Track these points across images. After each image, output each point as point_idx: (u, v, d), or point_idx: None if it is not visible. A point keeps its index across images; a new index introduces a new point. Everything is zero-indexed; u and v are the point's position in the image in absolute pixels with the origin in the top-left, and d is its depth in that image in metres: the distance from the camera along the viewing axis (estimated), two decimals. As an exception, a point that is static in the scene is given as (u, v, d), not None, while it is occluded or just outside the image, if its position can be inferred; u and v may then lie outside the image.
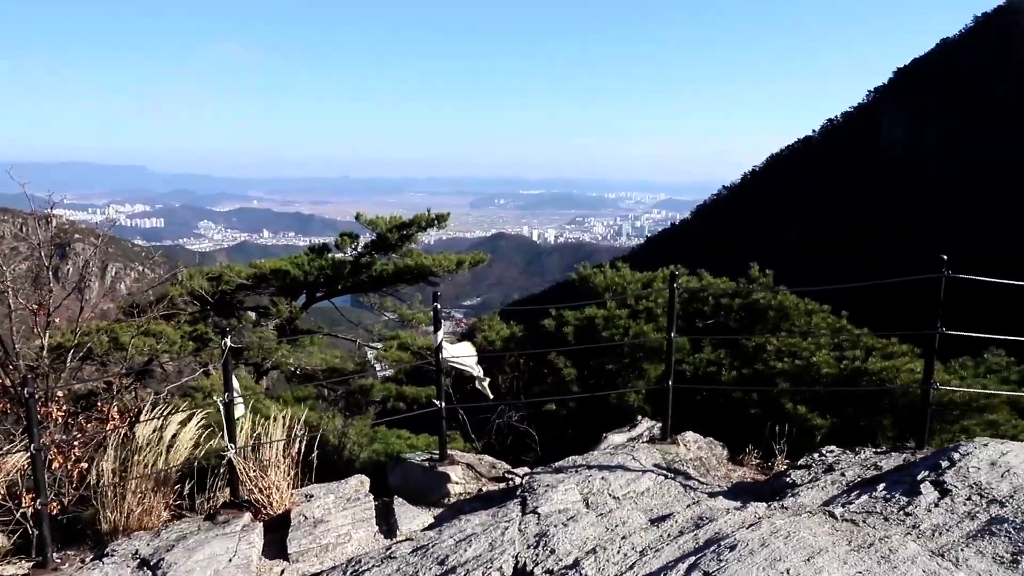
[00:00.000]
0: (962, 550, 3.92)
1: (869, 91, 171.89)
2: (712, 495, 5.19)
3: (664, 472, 5.52)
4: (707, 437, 6.50)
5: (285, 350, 12.58)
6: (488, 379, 6.29)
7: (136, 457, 5.03)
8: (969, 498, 4.46)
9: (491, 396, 6.36)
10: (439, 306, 5.72)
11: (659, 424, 6.33)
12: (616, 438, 6.32)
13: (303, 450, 5.57)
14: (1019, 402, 7.99)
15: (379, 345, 13.84)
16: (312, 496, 5.41)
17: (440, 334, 5.75)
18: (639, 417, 6.78)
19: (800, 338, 8.25)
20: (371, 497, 5.57)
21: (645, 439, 6.32)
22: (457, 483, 6.02)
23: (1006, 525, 4.06)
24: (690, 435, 6.32)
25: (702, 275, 9.79)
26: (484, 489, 6.06)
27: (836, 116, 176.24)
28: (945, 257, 5.51)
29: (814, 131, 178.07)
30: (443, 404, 5.82)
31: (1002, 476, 4.60)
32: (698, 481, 5.59)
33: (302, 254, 13.27)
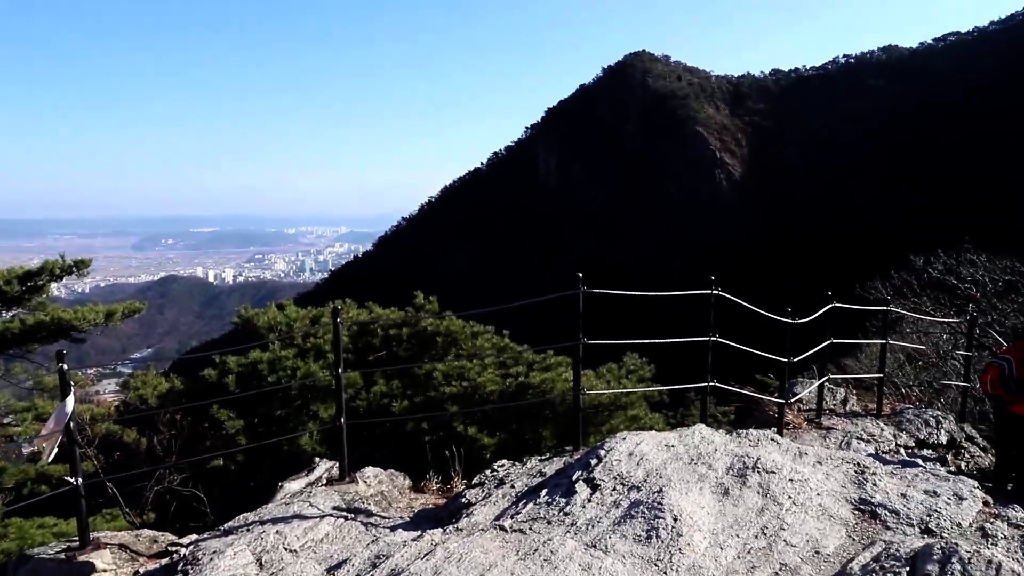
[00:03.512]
0: (610, 537, 4.35)
1: (527, 128, 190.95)
2: (393, 529, 5.13)
3: (344, 514, 5.34)
4: (388, 470, 6.45)
5: None
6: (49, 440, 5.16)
7: None
8: (615, 489, 4.98)
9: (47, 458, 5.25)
10: (65, 367, 4.88)
11: (337, 465, 6.13)
12: (293, 485, 5.97)
13: None
14: (652, 396, 9.32)
15: (9, 419, 11.59)
16: None
17: (70, 400, 4.91)
18: (316, 460, 6.49)
19: (467, 360, 8.66)
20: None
21: (324, 482, 6.07)
22: (106, 570, 5.16)
23: (641, 507, 4.61)
24: (370, 471, 6.22)
25: (371, 307, 9.79)
26: (142, 571, 5.29)
27: (500, 150, 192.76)
28: (581, 275, 6.08)
29: (482, 164, 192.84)
30: (79, 480, 4.97)
31: (638, 464, 5.22)
32: (380, 517, 5.50)
33: None
